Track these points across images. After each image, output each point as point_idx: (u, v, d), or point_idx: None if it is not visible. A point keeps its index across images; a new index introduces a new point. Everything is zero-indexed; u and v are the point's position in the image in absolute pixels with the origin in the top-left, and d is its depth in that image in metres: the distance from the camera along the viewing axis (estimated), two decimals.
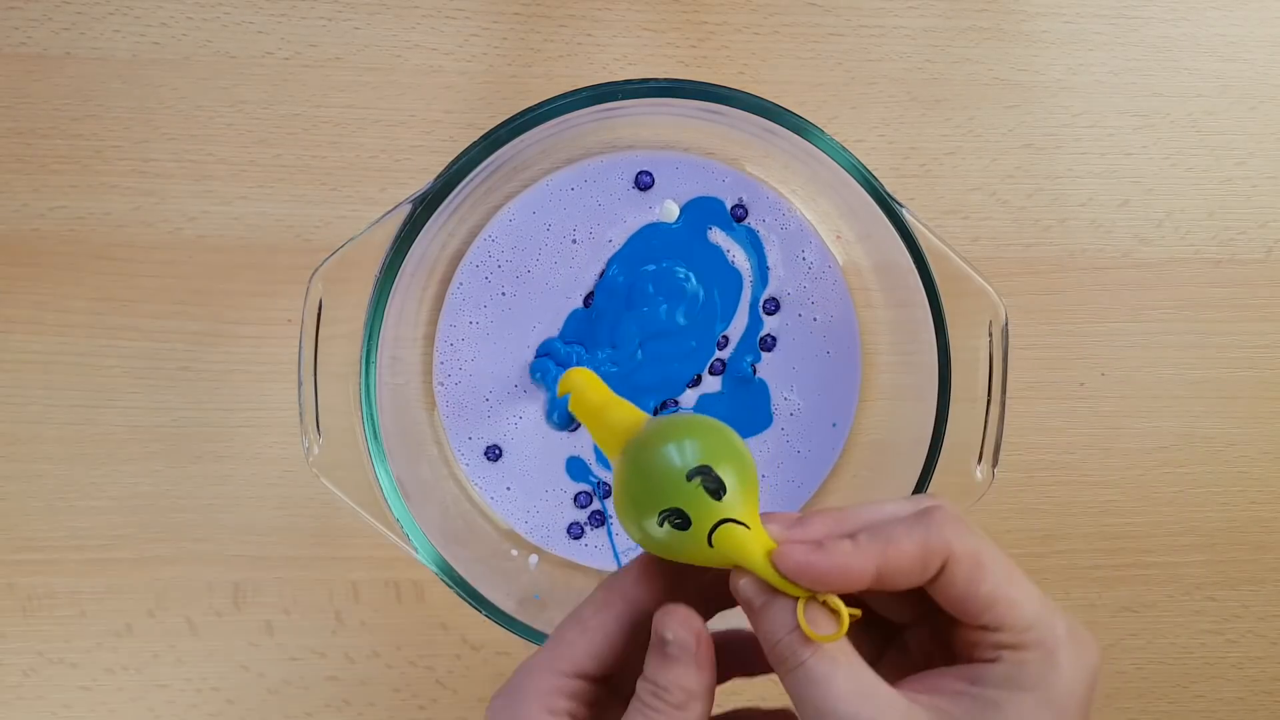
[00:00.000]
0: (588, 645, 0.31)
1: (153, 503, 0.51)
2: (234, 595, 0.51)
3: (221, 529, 0.51)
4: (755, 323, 0.49)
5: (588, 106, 0.42)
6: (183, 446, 0.51)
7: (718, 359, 0.49)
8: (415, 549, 0.43)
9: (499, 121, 0.42)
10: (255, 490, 0.51)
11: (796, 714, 0.28)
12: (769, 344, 0.49)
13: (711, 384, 0.50)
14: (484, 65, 0.50)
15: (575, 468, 0.49)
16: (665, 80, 0.42)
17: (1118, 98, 0.52)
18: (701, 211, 0.49)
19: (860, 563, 0.28)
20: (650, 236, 0.49)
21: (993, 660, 0.28)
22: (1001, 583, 0.28)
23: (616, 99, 0.42)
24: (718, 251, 0.49)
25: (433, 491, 0.48)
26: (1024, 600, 0.28)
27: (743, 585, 0.29)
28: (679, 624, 0.30)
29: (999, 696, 0.27)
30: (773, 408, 0.50)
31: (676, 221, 0.49)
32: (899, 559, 0.28)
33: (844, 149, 0.43)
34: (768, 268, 0.49)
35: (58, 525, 0.51)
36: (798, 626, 0.27)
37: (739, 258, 0.49)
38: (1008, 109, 0.52)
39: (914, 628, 0.32)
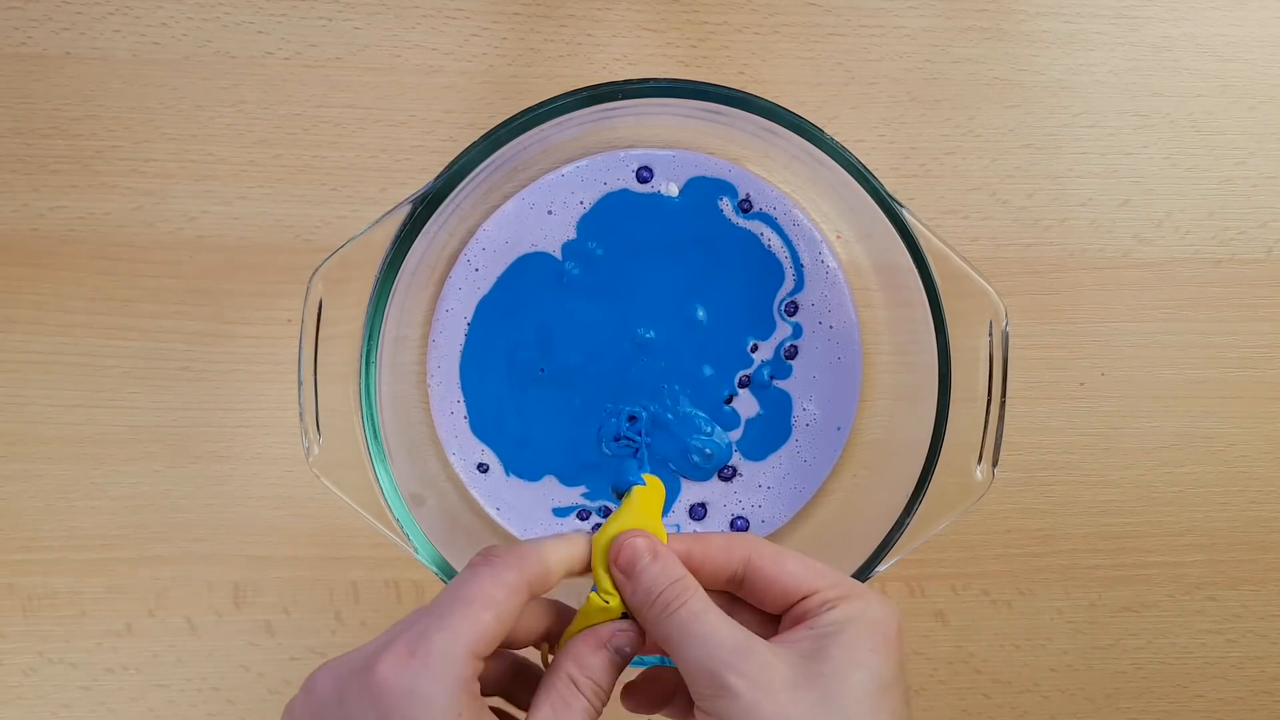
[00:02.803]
0: (497, 629, 0.33)
1: (153, 503, 0.51)
2: (234, 595, 0.51)
3: (221, 529, 0.51)
4: (795, 330, 0.47)
5: (588, 106, 0.42)
6: (183, 446, 0.51)
7: (745, 374, 0.47)
8: (415, 549, 0.42)
9: (499, 121, 0.42)
10: (255, 490, 0.51)
11: (677, 658, 0.34)
12: (793, 353, 0.48)
13: (749, 406, 0.48)
14: (484, 65, 0.50)
15: (561, 512, 0.48)
16: (665, 80, 0.42)
17: (1118, 98, 0.52)
18: (707, 188, 0.47)
19: (683, 542, 0.37)
20: (639, 206, 0.46)
21: (821, 613, 0.35)
22: (803, 563, 0.36)
23: (616, 99, 0.42)
24: (749, 236, 0.47)
25: (433, 491, 0.48)
26: (826, 571, 0.36)
27: (639, 540, 0.36)
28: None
29: (834, 629, 0.34)
30: (792, 420, 0.48)
31: (678, 197, 0.47)
32: (709, 546, 0.37)
33: (844, 149, 0.42)
34: (801, 265, 0.47)
35: (58, 525, 0.51)
36: (685, 573, 0.35)
37: (775, 244, 0.47)
38: (1008, 109, 0.52)
39: None
